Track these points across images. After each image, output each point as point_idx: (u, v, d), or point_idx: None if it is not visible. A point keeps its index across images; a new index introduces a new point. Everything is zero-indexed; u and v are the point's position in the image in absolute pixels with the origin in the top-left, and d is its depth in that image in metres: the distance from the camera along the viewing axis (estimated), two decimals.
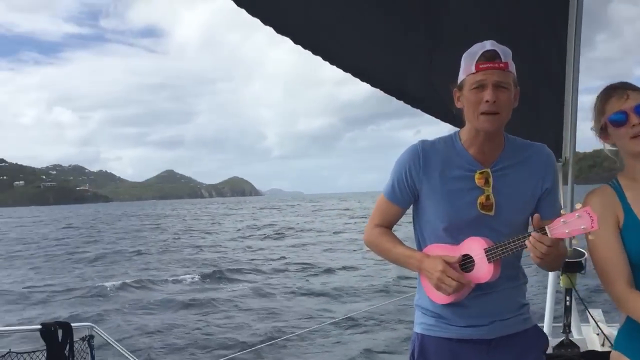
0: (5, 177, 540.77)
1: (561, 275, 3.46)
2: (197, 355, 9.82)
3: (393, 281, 15.82)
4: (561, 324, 3.45)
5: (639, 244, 1.80)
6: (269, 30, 2.44)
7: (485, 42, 1.85)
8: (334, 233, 36.08)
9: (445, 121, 3.18)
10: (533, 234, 1.73)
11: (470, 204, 1.90)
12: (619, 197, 1.87)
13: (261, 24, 2.33)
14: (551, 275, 3.62)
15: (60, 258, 26.66)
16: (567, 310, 3.46)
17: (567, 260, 3.24)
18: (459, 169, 1.93)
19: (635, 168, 1.87)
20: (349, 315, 9.69)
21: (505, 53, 1.83)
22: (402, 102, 3.18)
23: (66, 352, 3.84)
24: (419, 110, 3.23)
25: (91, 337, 4.11)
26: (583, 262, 3.32)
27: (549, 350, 3.40)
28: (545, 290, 3.68)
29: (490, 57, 1.81)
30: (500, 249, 1.82)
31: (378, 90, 3.06)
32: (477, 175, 1.91)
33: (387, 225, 2.10)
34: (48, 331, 3.77)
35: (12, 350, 3.63)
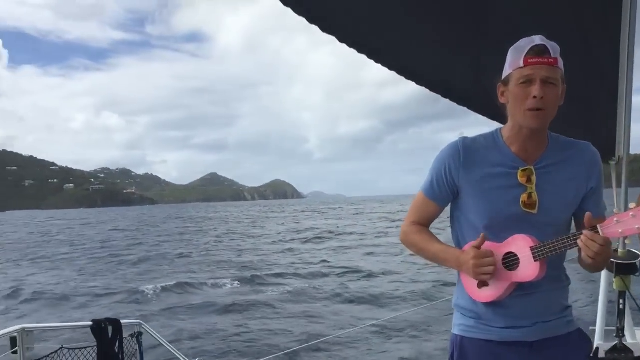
0: (56, 180, 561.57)
1: (614, 277, 3.35)
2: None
3: (434, 288, 15.56)
4: (614, 328, 3.35)
5: None
6: (310, 33, 2.44)
7: (534, 36, 1.80)
8: (375, 237, 35.87)
9: (491, 119, 3.13)
10: (585, 232, 1.69)
11: (511, 202, 1.85)
12: None
13: (306, 23, 2.35)
14: (604, 277, 3.51)
15: (105, 260, 27.30)
16: (621, 313, 3.36)
17: (621, 262, 3.15)
18: (501, 166, 1.88)
19: None
20: (385, 319, 9.58)
21: (554, 49, 1.78)
22: (447, 100, 3.15)
23: (116, 349, 3.92)
24: (461, 113, 3.19)
25: (140, 333, 4.20)
26: (638, 264, 3.22)
27: (602, 355, 3.31)
28: (589, 294, 3.58)
29: (539, 51, 1.76)
30: (548, 247, 1.77)
31: (419, 92, 3.03)
32: (519, 173, 1.86)
33: (424, 223, 2.06)
34: (98, 327, 3.87)
35: (64, 346, 3.75)
